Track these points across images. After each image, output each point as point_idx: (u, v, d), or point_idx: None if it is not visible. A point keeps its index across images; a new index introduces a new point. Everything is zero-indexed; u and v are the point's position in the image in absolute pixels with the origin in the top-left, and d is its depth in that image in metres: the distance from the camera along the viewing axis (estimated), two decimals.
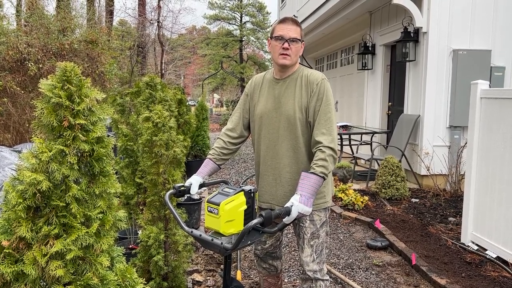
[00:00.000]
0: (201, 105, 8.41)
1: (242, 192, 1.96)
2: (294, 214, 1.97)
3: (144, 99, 4.03)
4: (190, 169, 6.46)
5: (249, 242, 1.91)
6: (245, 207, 1.94)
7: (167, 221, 2.89)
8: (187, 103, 7.16)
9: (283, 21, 2.28)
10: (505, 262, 3.68)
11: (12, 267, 1.36)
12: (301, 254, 2.38)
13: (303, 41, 2.32)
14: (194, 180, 2.27)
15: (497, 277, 3.49)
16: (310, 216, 2.33)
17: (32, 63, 6.50)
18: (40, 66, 6.62)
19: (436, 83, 6.28)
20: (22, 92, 6.45)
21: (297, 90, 2.29)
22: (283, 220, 1.99)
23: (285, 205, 2.00)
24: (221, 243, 1.82)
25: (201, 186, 2.28)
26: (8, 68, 6.61)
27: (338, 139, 7.46)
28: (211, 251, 4.04)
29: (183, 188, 2.23)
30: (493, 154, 3.86)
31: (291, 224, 2.26)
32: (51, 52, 7.01)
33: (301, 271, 2.42)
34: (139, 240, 2.85)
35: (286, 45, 2.23)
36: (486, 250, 3.93)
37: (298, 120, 2.27)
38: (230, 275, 2.05)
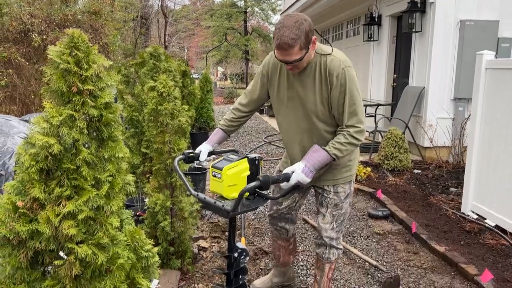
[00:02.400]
0: (205, 77, 8.38)
1: (246, 159, 2.01)
2: (292, 181, 2.00)
3: (148, 70, 4.04)
4: (195, 141, 6.51)
5: (252, 207, 1.97)
6: (248, 173, 2.00)
7: (173, 189, 2.97)
8: (191, 76, 7.15)
9: (279, 47, 2.01)
10: (503, 230, 3.75)
11: (27, 226, 1.42)
12: (321, 220, 2.41)
13: (310, 46, 2.06)
14: (204, 148, 2.32)
15: (495, 245, 3.57)
16: (335, 188, 2.36)
17: (36, 34, 6.48)
18: (44, 37, 6.59)
19: (442, 55, 6.21)
20: (27, 63, 6.46)
21: (317, 83, 2.17)
22: (281, 185, 2.04)
23: (285, 171, 2.04)
24: (223, 206, 1.89)
25: (210, 154, 2.32)
26: (12, 39, 6.59)
27: None
28: (215, 219, 4.14)
29: (192, 154, 2.28)
30: (496, 125, 3.88)
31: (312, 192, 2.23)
32: (54, 23, 6.96)
33: (317, 236, 2.46)
34: (146, 207, 2.93)
35: (289, 66, 2.12)
36: (485, 219, 4.00)
37: (321, 113, 2.21)
38: (235, 238, 2.12)
